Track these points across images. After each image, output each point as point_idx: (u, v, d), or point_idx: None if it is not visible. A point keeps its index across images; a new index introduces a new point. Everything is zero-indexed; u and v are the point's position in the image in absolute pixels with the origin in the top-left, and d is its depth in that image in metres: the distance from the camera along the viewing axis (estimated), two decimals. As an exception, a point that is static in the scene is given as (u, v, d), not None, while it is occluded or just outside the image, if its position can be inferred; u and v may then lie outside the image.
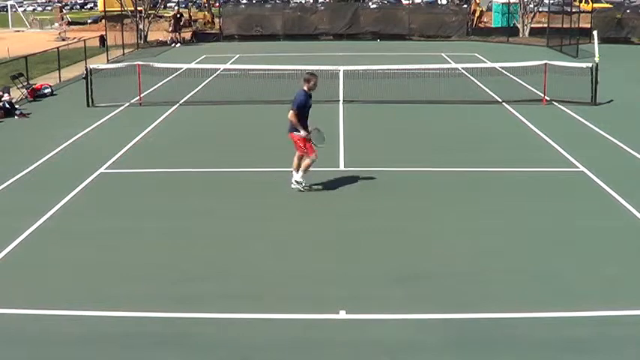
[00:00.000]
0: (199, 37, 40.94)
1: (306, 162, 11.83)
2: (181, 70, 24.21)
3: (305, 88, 11.77)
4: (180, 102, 20.49)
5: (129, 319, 7.73)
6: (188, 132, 16.83)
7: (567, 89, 19.78)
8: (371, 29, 40.03)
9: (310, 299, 8.17)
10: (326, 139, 12.22)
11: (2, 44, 34.19)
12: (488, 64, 24.96)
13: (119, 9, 38.17)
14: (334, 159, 13.77)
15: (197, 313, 7.81)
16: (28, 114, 19.26)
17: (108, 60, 30.37)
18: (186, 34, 40.57)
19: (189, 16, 46.89)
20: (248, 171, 13.44)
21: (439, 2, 48.27)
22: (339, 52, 32.20)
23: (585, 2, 41.36)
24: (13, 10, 58.81)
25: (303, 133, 11.71)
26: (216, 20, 43.49)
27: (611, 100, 19.87)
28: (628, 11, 38.83)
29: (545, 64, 20.39)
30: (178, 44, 37.85)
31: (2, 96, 19.21)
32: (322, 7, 41.81)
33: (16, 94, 21.21)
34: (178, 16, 39.33)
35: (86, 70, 20.63)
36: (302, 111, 11.71)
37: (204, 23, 46.20)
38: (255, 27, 39.77)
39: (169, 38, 38.57)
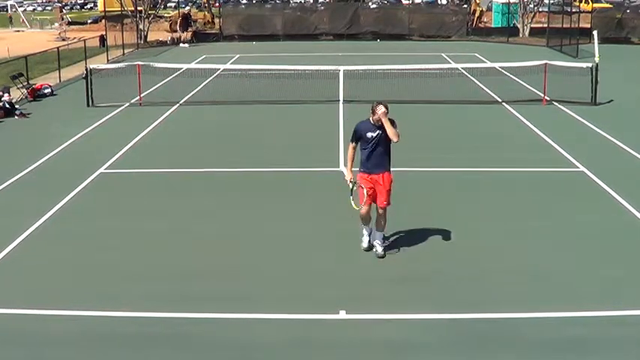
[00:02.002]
0: (199, 37, 40.95)
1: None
2: (181, 70, 24.20)
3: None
4: (181, 102, 20.49)
5: (129, 319, 7.72)
6: (188, 132, 16.82)
7: (567, 89, 19.77)
8: (371, 29, 40.03)
9: (310, 299, 8.16)
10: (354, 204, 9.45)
11: (2, 44, 34.19)
12: (488, 64, 24.93)
13: (119, 9, 38.19)
14: (334, 159, 13.76)
15: (197, 313, 7.80)
16: (28, 114, 19.26)
17: (108, 60, 30.38)
18: (187, 34, 40.58)
19: (189, 15, 46.94)
20: (248, 171, 13.43)
21: (439, 2, 48.27)
22: (339, 52, 32.20)
23: (585, 2, 41.36)
24: (13, 10, 58.85)
25: (346, 174, 9.59)
26: (216, 20, 43.51)
27: (611, 100, 19.86)
28: (628, 11, 38.84)
29: (545, 64, 20.40)
30: (187, 44, 37.82)
31: (2, 96, 19.22)
32: (322, 7, 41.81)
33: (16, 94, 21.22)
34: (187, 15, 39.50)
35: (86, 70, 20.64)
36: (362, 143, 9.51)
37: (204, 23, 46.24)
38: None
39: (169, 38, 38.57)
